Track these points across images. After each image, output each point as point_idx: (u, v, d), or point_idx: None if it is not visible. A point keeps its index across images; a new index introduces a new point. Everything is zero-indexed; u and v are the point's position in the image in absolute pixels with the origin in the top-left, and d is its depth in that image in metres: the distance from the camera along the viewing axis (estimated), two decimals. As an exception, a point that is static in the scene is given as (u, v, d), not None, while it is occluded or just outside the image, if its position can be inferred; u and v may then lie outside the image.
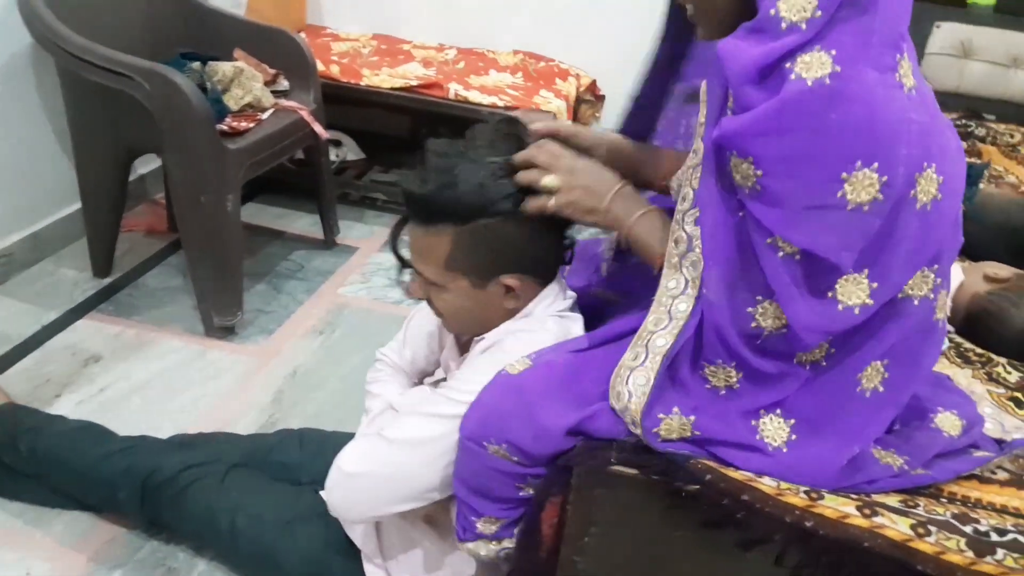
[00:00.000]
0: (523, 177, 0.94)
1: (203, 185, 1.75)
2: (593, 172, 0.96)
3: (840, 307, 0.78)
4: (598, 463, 0.81)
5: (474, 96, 2.30)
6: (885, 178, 0.73)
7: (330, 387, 1.80)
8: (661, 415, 0.84)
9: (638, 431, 0.83)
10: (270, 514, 1.24)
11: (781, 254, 0.77)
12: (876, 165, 0.72)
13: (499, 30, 2.72)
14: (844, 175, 0.73)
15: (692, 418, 0.84)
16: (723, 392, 0.85)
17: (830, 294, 0.78)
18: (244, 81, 1.89)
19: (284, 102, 2.02)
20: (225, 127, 1.81)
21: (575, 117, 2.62)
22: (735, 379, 0.84)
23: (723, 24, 0.82)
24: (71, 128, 1.90)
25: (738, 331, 0.81)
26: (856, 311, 0.78)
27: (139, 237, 2.28)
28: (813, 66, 0.72)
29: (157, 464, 1.30)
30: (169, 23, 2.07)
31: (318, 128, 2.05)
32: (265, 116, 1.94)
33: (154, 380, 1.76)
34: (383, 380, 1.23)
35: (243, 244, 1.89)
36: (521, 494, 0.90)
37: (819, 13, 0.73)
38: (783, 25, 0.73)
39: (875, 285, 0.78)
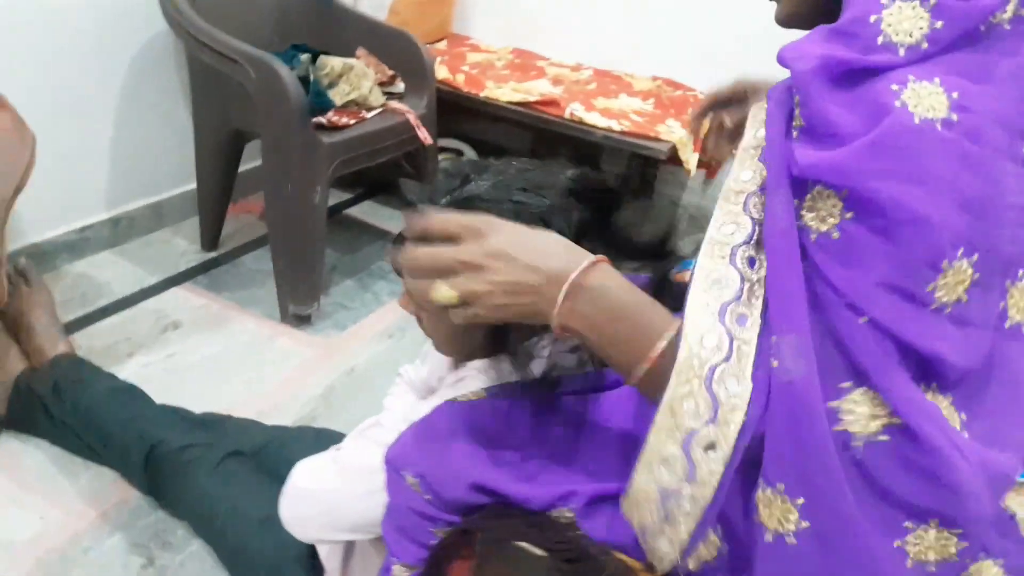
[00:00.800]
0: (410, 288, 0.66)
1: (291, 174, 1.78)
2: (528, 239, 0.63)
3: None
4: (502, 534, 0.69)
5: (592, 118, 2.20)
6: (978, 276, 0.55)
7: (380, 391, 1.74)
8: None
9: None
10: (249, 509, 1.21)
11: (864, 319, 0.57)
12: (976, 257, 0.55)
13: (640, 54, 2.61)
14: (945, 263, 0.54)
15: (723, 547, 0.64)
16: (770, 538, 0.58)
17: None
18: (352, 78, 1.91)
19: (394, 104, 2.02)
20: (324, 120, 1.83)
21: (705, 150, 2.45)
22: (792, 525, 0.57)
23: (802, 7, 0.68)
24: (192, 109, 2.01)
25: (819, 433, 0.56)
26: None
27: (252, 219, 2.38)
28: (926, 101, 0.55)
29: (165, 436, 1.31)
30: (298, 18, 2.15)
31: (422, 133, 2.03)
32: (370, 115, 1.95)
33: (219, 356, 1.80)
34: (395, 394, 1.18)
35: (324, 237, 1.90)
36: (433, 541, 0.80)
37: (925, 44, 0.57)
38: (880, 39, 0.58)
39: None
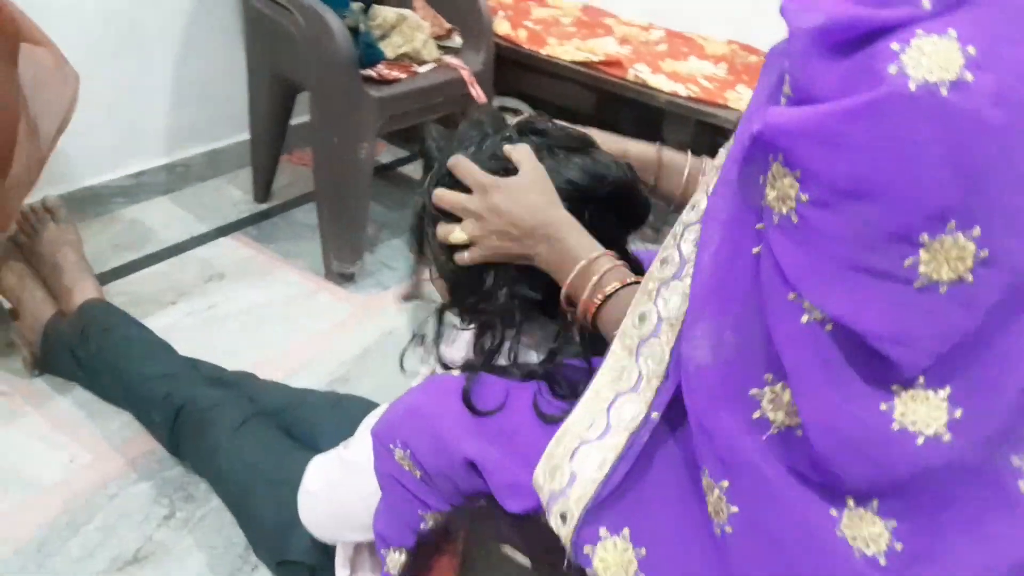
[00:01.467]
0: (440, 233, 0.85)
1: (338, 128, 1.73)
2: (518, 200, 0.78)
3: (895, 427, 0.51)
4: (487, 535, 0.64)
5: (657, 81, 2.08)
6: (985, 253, 0.47)
7: (416, 354, 1.72)
8: (604, 532, 0.61)
9: (563, 536, 0.63)
10: (265, 465, 1.19)
11: (806, 318, 0.52)
12: (977, 231, 0.47)
13: (716, 15, 2.45)
14: (924, 236, 0.48)
15: (643, 552, 0.61)
16: (717, 533, 0.57)
17: (883, 406, 0.51)
18: (406, 30, 1.84)
19: (449, 59, 1.95)
20: (374, 73, 1.78)
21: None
22: (723, 510, 0.56)
23: None
24: (247, 56, 1.98)
25: (733, 419, 0.56)
26: (920, 442, 0.51)
27: (307, 172, 2.35)
28: (930, 60, 0.47)
29: (193, 396, 1.30)
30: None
31: (476, 92, 1.95)
32: (423, 69, 1.89)
33: (259, 308, 1.80)
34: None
35: (369, 195, 1.86)
36: (423, 526, 0.75)
37: None
38: None
39: (958, 414, 0.51)
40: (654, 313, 0.63)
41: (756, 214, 0.55)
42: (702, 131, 2.39)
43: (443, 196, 0.83)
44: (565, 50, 2.19)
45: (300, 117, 2.08)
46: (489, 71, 2.04)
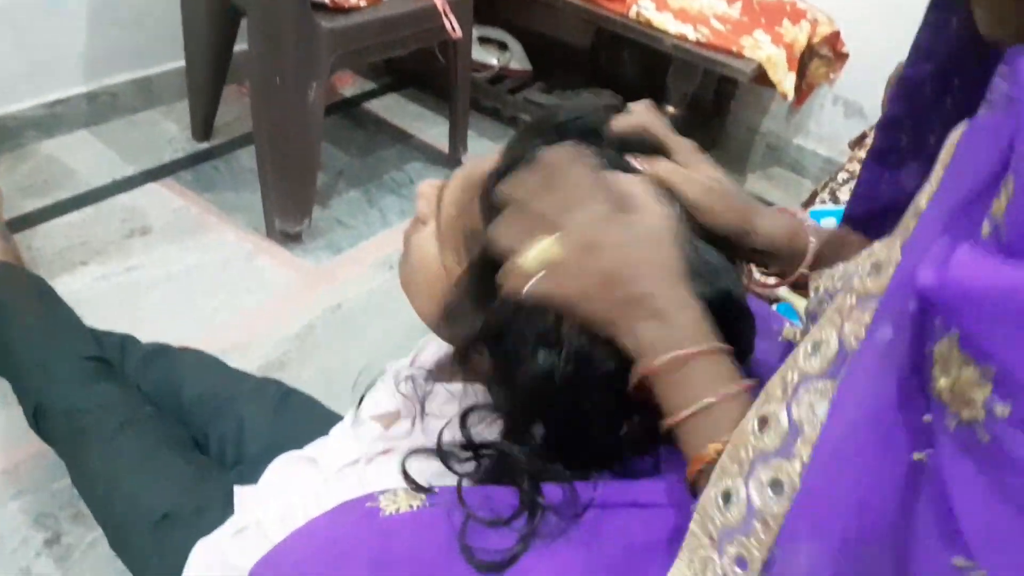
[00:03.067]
0: (494, 236, 0.50)
1: (282, 64, 1.45)
2: (643, 248, 0.48)
3: None
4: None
5: (662, 20, 1.79)
6: None
7: (370, 336, 1.49)
8: None
9: None
10: (147, 499, 0.96)
11: (957, 560, 0.30)
12: None
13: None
14: None
15: None
16: None
17: None
18: (367, -54, 1.53)
19: (420, -17, 1.65)
20: (327, 0, 1.48)
21: (801, 74, 2.02)
22: None
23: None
24: (178, -32, 1.66)
25: None
26: None
27: (256, 105, 2.07)
28: None
29: (53, 392, 1.05)
30: None
31: (450, 24, 1.66)
32: (388, -5, 1.59)
33: (187, 274, 1.54)
34: (371, 403, 0.91)
35: (319, 144, 1.59)
36: None
37: None
38: None
39: None
40: (743, 496, 0.40)
41: (922, 398, 0.32)
42: (710, 81, 2.11)
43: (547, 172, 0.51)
44: (558, -23, 1.89)
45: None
46: (468, 1, 1.74)
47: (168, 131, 1.91)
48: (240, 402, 1.08)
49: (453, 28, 1.67)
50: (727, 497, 0.40)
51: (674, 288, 0.47)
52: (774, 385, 0.40)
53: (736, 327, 0.51)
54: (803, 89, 2.10)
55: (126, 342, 1.18)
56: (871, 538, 0.33)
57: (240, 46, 1.72)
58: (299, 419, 1.05)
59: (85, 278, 1.48)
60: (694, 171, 0.54)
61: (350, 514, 0.54)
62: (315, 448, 0.83)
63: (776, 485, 0.38)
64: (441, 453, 0.53)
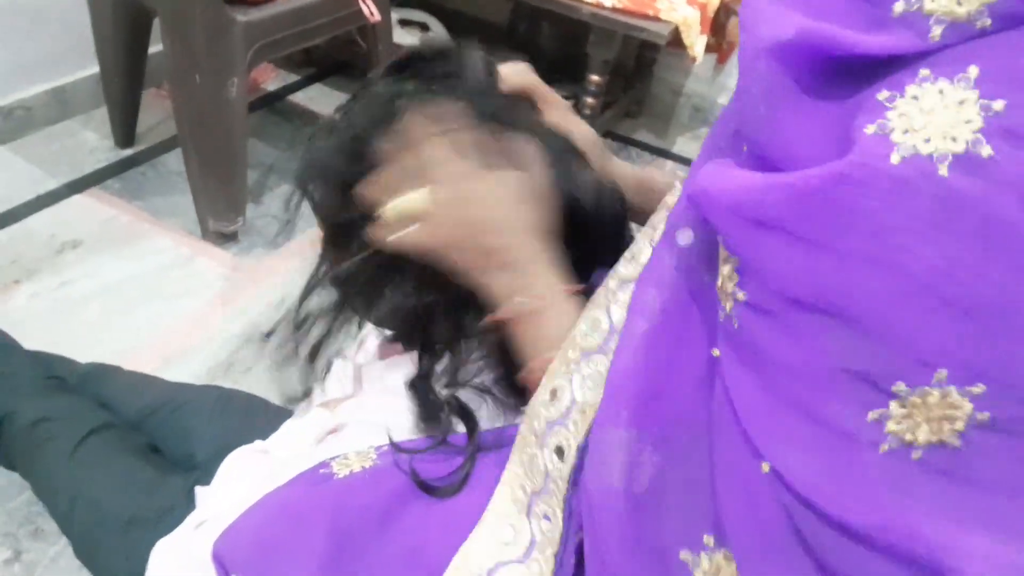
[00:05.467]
0: (365, 191, 0.55)
1: (198, 61, 1.43)
2: (498, 195, 0.52)
3: None
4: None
5: (578, -10, 1.81)
6: (987, 416, 0.29)
7: (315, 330, 1.49)
8: None
9: None
10: (113, 504, 0.96)
11: (767, 466, 0.34)
12: (982, 389, 0.29)
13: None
14: (900, 385, 0.30)
15: None
16: None
17: None
18: (274, -64, 1.52)
19: (332, -31, 1.64)
20: (238, -8, 1.46)
21: (715, 32, 2.07)
22: None
23: None
24: (81, -29, 1.62)
25: None
26: None
27: (179, 107, 2.03)
28: (928, 120, 0.29)
29: (16, 407, 1.05)
30: None
31: (368, 9, 1.66)
32: (300, -16, 1.57)
33: (124, 283, 1.52)
34: (323, 393, 0.93)
35: (246, 140, 1.57)
36: None
37: (987, 21, 0.29)
38: (898, 7, 0.30)
39: None
40: (568, 391, 0.44)
41: (712, 295, 0.36)
42: (631, 47, 2.15)
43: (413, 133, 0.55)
44: (471, -46, 1.89)
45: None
46: (383, -18, 1.73)
47: (88, 141, 1.87)
48: (182, 412, 1.09)
49: (371, 12, 1.66)
50: (554, 394, 0.44)
51: (529, 241, 0.51)
52: (599, 293, 0.45)
53: (618, 240, 0.58)
54: (724, 48, 2.14)
55: (62, 365, 1.18)
56: (673, 429, 0.37)
57: (155, 47, 1.69)
58: (244, 419, 1.06)
59: (18, 298, 1.45)
60: (574, 124, 0.58)
61: (305, 482, 0.56)
62: (267, 441, 0.85)
63: (595, 377, 0.42)
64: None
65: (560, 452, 0.43)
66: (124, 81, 1.74)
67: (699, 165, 0.38)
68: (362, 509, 0.52)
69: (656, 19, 1.78)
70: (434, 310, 0.56)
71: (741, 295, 0.33)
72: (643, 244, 0.43)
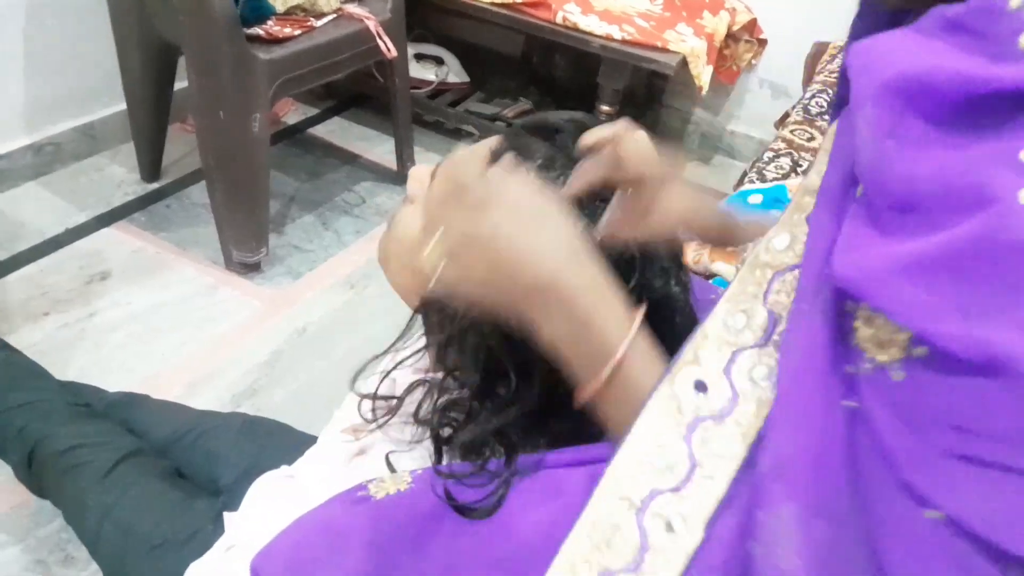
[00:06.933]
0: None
1: (223, 98, 1.48)
2: (519, 233, 0.47)
3: None
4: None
5: (589, 23, 1.86)
6: None
7: (335, 356, 1.53)
8: None
9: None
10: (142, 527, 0.99)
11: (931, 513, 0.33)
12: None
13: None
14: None
15: None
16: None
17: None
18: (295, -22, 1.58)
19: (351, 8, 1.70)
20: (261, 31, 1.52)
21: (722, 58, 2.11)
22: None
23: None
24: (111, 15, 1.68)
25: None
26: None
27: (202, 141, 2.09)
28: None
29: (50, 433, 1.09)
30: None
31: (384, 44, 1.71)
32: (320, 23, 1.63)
33: (150, 313, 1.57)
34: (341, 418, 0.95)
35: (268, 173, 1.62)
36: None
37: None
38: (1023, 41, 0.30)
39: None
40: (685, 459, 0.41)
41: (843, 349, 0.36)
42: (641, 76, 2.20)
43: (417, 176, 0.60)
44: (484, -10, 1.95)
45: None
46: (400, 17, 1.79)
47: (116, 175, 1.93)
48: (207, 438, 1.12)
49: (388, 48, 1.72)
50: (661, 450, 0.42)
51: (579, 270, 0.47)
52: (709, 352, 0.42)
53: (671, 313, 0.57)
54: (733, 70, 2.19)
55: (91, 393, 1.22)
56: (833, 496, 0.35)
57: (180, 83, 1.75)
58: (268, 444, 1.08)
59: (47, 328, 1.49)
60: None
61: (342, 503, 0.59)
62: (293, 466, 0.87)
63: (716, 443, 0.40)
64: (420, 422, 0.58)
65: (669, 526, 0.40)
66: (150, 117, 1.80)
67: (824, 222, 0.38)
68: (399, 528, 0.54)
69: (664, 50, 1.82)
70: (503, 365, 0.54)
71: (919, 352, 0.32)
72: (752, 303, 0.41)
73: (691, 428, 0.41)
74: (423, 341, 0.66)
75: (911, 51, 0.32)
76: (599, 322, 0.47)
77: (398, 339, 0.63)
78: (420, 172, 0.67)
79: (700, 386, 0.41)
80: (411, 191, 0.67)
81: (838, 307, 0.36)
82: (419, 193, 0.64)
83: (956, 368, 0.31)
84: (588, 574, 0.41)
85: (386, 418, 0.67)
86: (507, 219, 0.47)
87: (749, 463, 0.39)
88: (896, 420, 0.33)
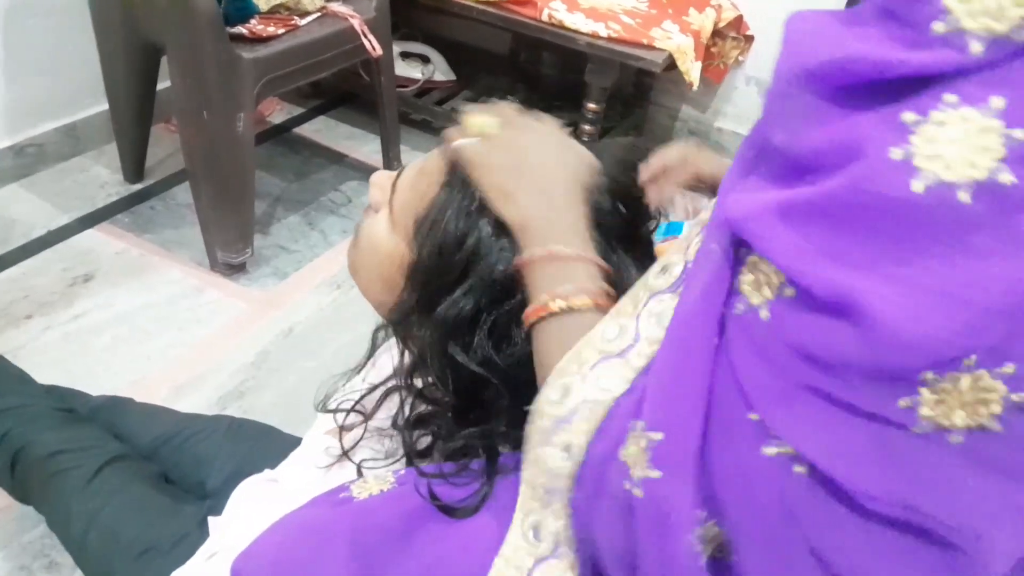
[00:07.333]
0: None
1: (207, 98, 1.47)
2: (562, 154, 0.58)
3: None
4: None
5: (574, 20, 1.86)
6: (1020, 397, 0.31)
7: (323, 357, 1.52)
8: None
9: None
10: (127, 534, 0.98)
11: (773, 450, 0.36)
12: (1013, 367, 0.31)
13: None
14: (929, 374, 0.32)
15: None
16: None
17: None
18: (279, -24, 1.57)
19: (335, 6, 1.69)
20: (245, 30, 1.51)
21: (709, 55, 2.12)
22: None
23: None
24: (92, 14, 1.66)
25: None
26: None
27: (186, 141, 2.07)
28: (952, 147, 0.30)
29: (33, 438, 1.07)
30: None
31: (369, 43, 1.70)
32: (304, 22, 1.62)
33: (135, 314, 1.55)
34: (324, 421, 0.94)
35: (253, 174, 1.61)
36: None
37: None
38: (937, 26, 0.31)
39: None
40: (578, 391, 0.45)
41: (731, 293, 0.39)
42: (628, 73, 2.19)
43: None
44: (469, -13, 1.94)
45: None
46: (384, 16, 1.78)
47: (99, 176, 1.91)
48: (193, 441, 1.12)
49: (373, 47, 1.71)
50: (566, 390, 0.45)
51: (569, 192, 0.56)
52: (626, 300, 0.47)
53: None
54: (721, 68, 2.19)
55: (75, 397, 1.20)
56: (679, 424, 0.40)
57: (164, 83, 1.74)
58: (254, 447, 1.08)
59: (31, 331, 1.48)
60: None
61: (325, 503, 0.58)
62: (276, 470, 0.87)
63: (611, 377, 0.44)
64: (397, 427, 0.58)
65: (567, 449, 0.44)
66: (133, 117, 1.79)
67: (730, 183, 0.41)
68: (383, 528, 0.54)
69: (651, 47, 1.82)
70: (489, 380, 0.56)
71: (789, 292, 0.35)
72: (676, 256, 0.45)
73: (595, 365, 0.45)
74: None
75: (841, 37, 0.34)
76: (562, 245, 0.53)
77: (366, 359, 0.65)
78: (381, 179, 0.66)
79: (622, 328, 0.45)
80: (373, 199, 0.66)
81: (736, 253, 0.39)
82: (382, 200, 0.64)
83: (817, 308, 0.34)
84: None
85: (362, 432, 0.67)
86: (539, 142, 0.59)
87: (631, 391, 0.43)
88: (754, 356, 0.36)
